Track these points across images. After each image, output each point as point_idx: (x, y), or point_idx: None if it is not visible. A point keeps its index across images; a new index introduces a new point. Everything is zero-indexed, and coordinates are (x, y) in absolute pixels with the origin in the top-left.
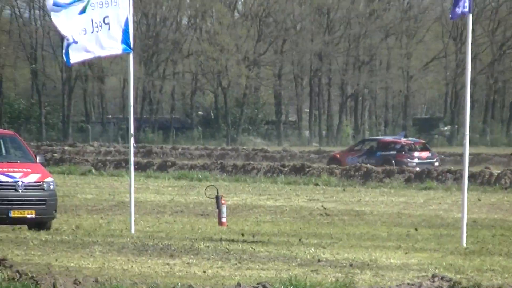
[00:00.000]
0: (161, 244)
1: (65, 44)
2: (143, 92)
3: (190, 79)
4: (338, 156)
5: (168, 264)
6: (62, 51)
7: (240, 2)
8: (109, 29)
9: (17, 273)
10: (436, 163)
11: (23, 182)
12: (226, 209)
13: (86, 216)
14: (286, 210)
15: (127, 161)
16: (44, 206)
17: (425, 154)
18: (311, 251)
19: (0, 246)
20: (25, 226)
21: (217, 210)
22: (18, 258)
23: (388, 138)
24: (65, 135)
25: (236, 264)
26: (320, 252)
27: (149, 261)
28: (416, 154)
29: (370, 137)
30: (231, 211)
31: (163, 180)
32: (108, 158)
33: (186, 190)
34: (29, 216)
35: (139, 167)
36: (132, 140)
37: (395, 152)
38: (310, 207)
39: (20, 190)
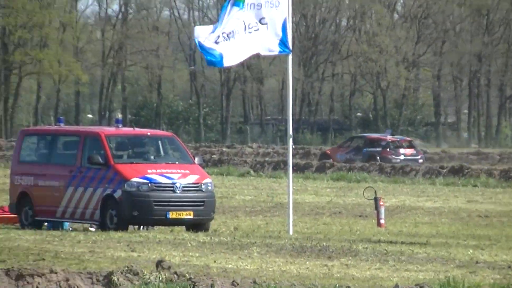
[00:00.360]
0: (319, 245)
1: (207, 47)
2: (302, 94)
3: (349, 80)
4: (329, 152)
5: (326, 265)
6: (211, 57)
7: (399, 3)
8: (267, 29)
9: (175, 275)
10: (420, 160)
11: (182, 184)
12: (384, 211)
13: (244, 218)
14: (445, 211)
15: (285, 163)
16: (202, 208)
17: (409, 151)
18: (469, 253)
19: (159, 248)
20: (183, 228)
21: (375, 211)
22: (176, 260)
23: (375, 135)
24: (223, 136)
25: (394, 265)
26: (479, 253)
27: (307, 262)
28: (401, 151)
29: (359, 134)
30: (389, 212)
31: (322, 181)
32: (267, 159)
33: (344, 192)
34: (187, 217)
35: (298, 169)
36: (290, 141)
37: (380, 149)
38: (469, 208)
39: (178, 192)
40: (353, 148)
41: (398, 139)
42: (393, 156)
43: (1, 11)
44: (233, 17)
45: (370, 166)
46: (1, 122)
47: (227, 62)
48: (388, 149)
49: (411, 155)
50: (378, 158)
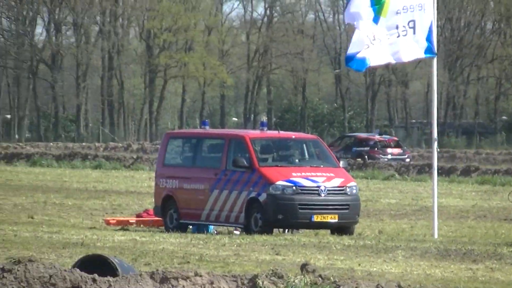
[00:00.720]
0: (464, 249)
1: (352, 50)
2: (447, 97)
3: (494, 84)
4: None
5: (471, 269)
6: (351, 58)
7: None
8: (414, 33)
9: (319, 278)
10: (407, 159)
11: (326, 187)
12: None
13: (389, 221)
14: None
15: (430, 166)
16: (347, 211)
17: (396, 150)
18: None
19: (303, 251)
20: (328, 231)
21: None
22: (320, 263)
23: (364, 135)
24: None
25: None
26: None
27: (451, 266)
28: (389, 150)
29: (349, 134)
30: None
31: (467, 185)
32: (411, 162)
33: (489, 195)
34: (332, 220)
35: (442, 172)
36: (435, 144)
37: (368, 148)
38: None
39: (323, 195)
40: (342, 147)
41: (386, 139)
42: (381, 155)
43: (147, 14)
44: (375, 22)
45: None
46: (146, 125)
47: (372, 63)
48: (376, 149)
49: (398, 154)
50: (366, 157)
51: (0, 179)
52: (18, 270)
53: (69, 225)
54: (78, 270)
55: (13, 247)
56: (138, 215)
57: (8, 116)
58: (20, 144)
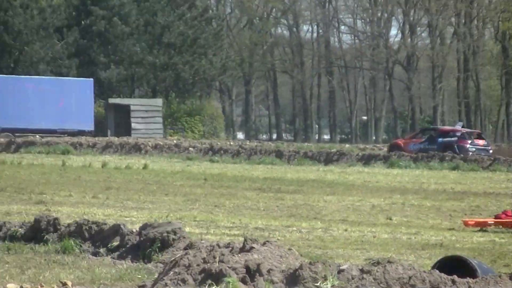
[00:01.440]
0: None
1: None
2: None
3: None
4: (401, 143)
5: None
6: None
7: None
8: None
9: None
10: (491, 151)
11: None
12: None
13: None
14: None
15: None
16: None
17: (481, 142)
18: None
19: None
20: None
21: None
22: None
23: (447, 127)
24: None
25: None
26: None
27: None
28: (475, 141)
29: (428, 127)
30: None
31: None
32: None
33: None
34: None
35: None
36: None
37: (457, 139)
38: None
39: None
40: (426, 139)
41: (469, 131)
42: (470, 146)
43: (501, 16)
44: None
45: None
46: (502, 127)
47: None
48: (464, 139)
49: (483, 145)
50: (455, 147)
51: (358, 181)
52: (377, 271)
53: (427, 226)
54: (437, 271)
55: (372, 248)
56: (496, 216)
57: (365, 118)
58: (377, 145)
